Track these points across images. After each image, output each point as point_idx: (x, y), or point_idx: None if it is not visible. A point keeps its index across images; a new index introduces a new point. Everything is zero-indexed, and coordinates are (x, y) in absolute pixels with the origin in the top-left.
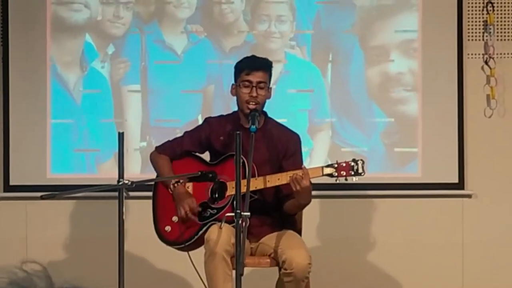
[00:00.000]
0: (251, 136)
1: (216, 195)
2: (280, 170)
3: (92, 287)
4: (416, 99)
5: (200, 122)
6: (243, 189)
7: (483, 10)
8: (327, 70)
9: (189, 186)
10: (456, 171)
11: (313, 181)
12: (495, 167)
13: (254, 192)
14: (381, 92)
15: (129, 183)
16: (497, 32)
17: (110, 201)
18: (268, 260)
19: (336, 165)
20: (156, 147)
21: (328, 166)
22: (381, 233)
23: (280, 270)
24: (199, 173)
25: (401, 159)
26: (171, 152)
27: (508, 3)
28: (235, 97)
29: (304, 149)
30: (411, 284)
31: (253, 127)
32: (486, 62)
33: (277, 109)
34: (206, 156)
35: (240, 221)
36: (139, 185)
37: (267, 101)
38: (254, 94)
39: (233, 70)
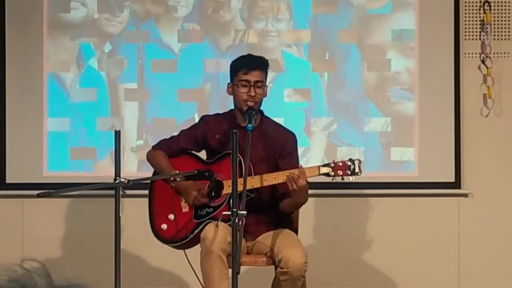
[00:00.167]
0: (247, 135)
1: (213, 194)
2: (277, 169)
3: (88, 285)
4: (413, 98)
5: (197, 120)
6: (240, 188)
7: (479, 9)
8: (324, 69)
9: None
10: (453, 170)
11: (310, 180)
12: (491, 167)
13: (250, 190)
14: (378, 91)
15: (126, 181)
16: (494, 32)
17: (106, 199)
18: (264, 259)
19: (332, 165)
20: (153, 146)
21: (324, 165)
22: (378, 232)
23: (276, 269)
24: (196, 171)
25: (397, 158)
26: (168, 149)
27: (505, 2)
28: (231, 96)
29: (300, 148)
30: (408, 283)
31: (250, 125)
32: (483, 62)
33: (274, 108)
34: (202, 154)
35: (236, 220)
36: (136, 183)
37: (264, 99)
38: (253, 93)
39: (229, 68)
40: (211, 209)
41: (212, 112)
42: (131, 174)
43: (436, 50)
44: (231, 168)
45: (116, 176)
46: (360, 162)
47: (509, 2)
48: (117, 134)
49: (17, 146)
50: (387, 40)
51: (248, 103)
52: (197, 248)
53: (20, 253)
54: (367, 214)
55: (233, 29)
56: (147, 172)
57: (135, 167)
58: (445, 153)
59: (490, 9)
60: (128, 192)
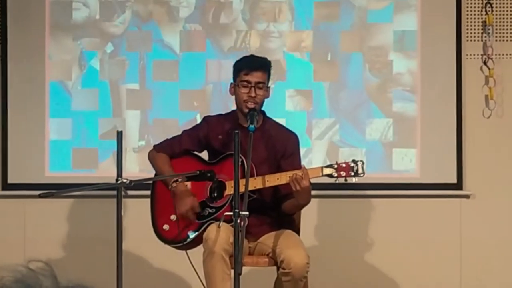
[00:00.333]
0: (249, 136)
1: (215, 194)
2: (279, 169)
3: (93, 286)
4: (415, 100)
5: (199, 121)
6: (242, 189)
7: (482, 10)
8: (326, 70)
9: (188, 185)
10: (455, 172)
11: (312, 180)
12: (493, 168)
13: (253, 191)
14: (380, 92)
15: (128, 181)
16: (496, 33)
17: (108, 200)
18: (267, 260)
19: (335, 166)
20: (154, 146)
21: (327, 166)
22: (379, 233)
23: (278, 269)
24: (198, 172)
25: (399, 159)
26: (170, 150)
27: (507, 3)
28: (233, 96)
29: (302, 149)
30: (409, 284)
31: (252, 126)
32: (484, 63)
33: (276, 109)
34: (204, 155)
35: (238, 221)
36: (138, 184)
37: (266, 100)
38: (253, 94)
39: (231, 69)
40: (214, 210)
41: (214, 112)
42: (133, 175)
43: (438, 51)
44: (233, 169)
45: (118, 176)
46: (363, 163)
47: (511, 3)
48: (119, 134)
49: (19, 147)
50: (389, 42)
51: (248, 104)
52: (199, 248)
53: (22, 253)
54: (369, 215)
55: (234, 30)
56: (149, 172)
57: (137, 167)
58: (447, 154)
59: (492, 10)
60: (130, 192)
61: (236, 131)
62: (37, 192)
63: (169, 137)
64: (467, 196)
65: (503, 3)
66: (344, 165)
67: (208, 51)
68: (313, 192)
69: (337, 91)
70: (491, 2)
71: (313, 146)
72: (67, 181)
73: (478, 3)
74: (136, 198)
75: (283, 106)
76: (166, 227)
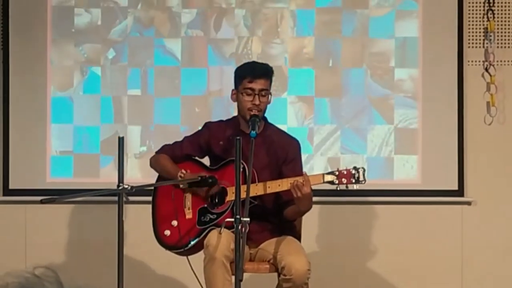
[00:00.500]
0: (251, 142)
1: (216, 200)
2: (280, 175)
3: None
4: (416, 106)
5: (200, 127)
6: (243, 195)
7: (483, 17)
8: (327, 76)
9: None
10: (456, 178)
11: (313, 187)
12: (495, 174)
13: (254, 197)
14: (381, 99)
15: (129, 187)
16: (498, 39)
17: (109, 206)
18: (267, 266)
19: (337, 173)
20: (156, 152)
21: (329, 173)
22: (381, 239)
23: (279, 276)
24: (199, 178)
25: (401, 165)
26: (171, 155)
27: (509, 10)
28: (234, 103)
29: (303, 155)
30: None
31: (253, 132)
32: (486, 69)
33: (277, 115)
34: (206, 161)
35: (239, 227)
36: (139, 190)
37: (267, 106)
38: (257, 102)
39: (233, 75)
40: (215, 216)
41: (215, 119)
42: (134, 181)
43: (439, 57)
44: (234, 175)
45: (119, 182)
46: (364, 170)
47: None
48: (121, 140)
49: (20, 152)
50: (391, 48)
51: (252, 111)
52: (200, 254)
53: (24, 259)
54: (370, 222)
55: (236, 36)
56: (151, 178)
57: (138, 173)
58: (448, 161)
59: (494, 17)
60: (131, 198)
61: (238, 137)
62: (39, 198)
63: (170, 143)
64: (468, 203)
65: (505, 10)
66: (345, 172)
67: (210, 57)
68: (314, 199)
69: (338, 98)
70: (493, 8)
71: (314, 153)
72: (68, 187)
73: (480, 10)
74: (137, 204)
75: (285, 112)
76: (167, 232)
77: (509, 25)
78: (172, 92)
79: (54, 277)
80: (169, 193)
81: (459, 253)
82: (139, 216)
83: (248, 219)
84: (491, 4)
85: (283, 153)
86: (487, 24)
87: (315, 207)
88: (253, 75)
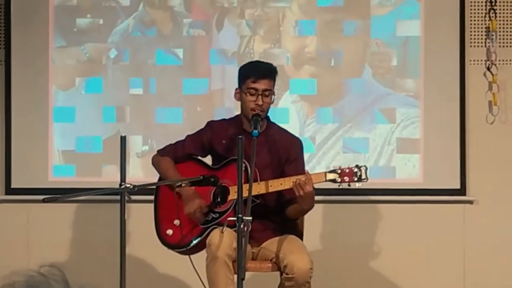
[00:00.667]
0: (253, 141)
1: (218, 199)
2: (282, 174)
3: None
4: (418, 105)
5: (203, 126)
6: (245, 194)
7: (485, 16)
8: (329, 75)
9: (193, 189)
10: (458, 177)
11: (315, 186)
12: (496, 174)
13: (256, 196)
14: (383, 97)
15: (131, 186)
16: (499, 39)
17: (112, 205)
18: (270, 265)
19: (339, 171)
20: (158, 151)
21: (331, 171)
22: (383, 238)
23: (281, 274)
24: (201, 177)
25: (402, 164)
26: (173, 155)
27: (511, 9)
28: (237, 101)
29: (306, 154)
30: None
31: (256, 131)
32: (488, 69)
33: (280, 114)
34: (208, 160)
35: (242, 226)
36: (141, 189)
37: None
38: (260, 102)
39: (235, 74)
40: (217, 215)
41: (217, 117)
42: (136, 180)
43: (441, 57)
44: (237, 174)
45: (121, 181)
46: (366, 168)
47: None
48: (123, 139)
49: (22, 151)
50: (393, 47)
51: (255, 111)
52: (202, 253)
53: (26, 258)
54: (372, 221)
55: (239, 35)
56: (153, 177)
57: (140, 172)
58: (450, 160)
59: (496, 16)
60: (133, 197)
61: (240, 136)
62: (41, 197)
63: (172, 142)
64: (470, 202)
65: (507, 9)
66: (347, 171)
67: (212, 56)
68: (316, 197)
69: (340, 97)
70: (495, 8)
71: (316, 152)
72: (70, 186)
73: (482, 9)
74: (139, 203)
75: (287, 111)
76: (169, 231)
77: (511, 24)
78: (174, 91)
79: (60, 276)
80: (172, 192)
81: (461, 252)
82: (141, 215)
83: (250, 218)
84: (493, 3)
85: (286, 152)
86: (489, 23)
87: (317, 206)
88: (257, 75)
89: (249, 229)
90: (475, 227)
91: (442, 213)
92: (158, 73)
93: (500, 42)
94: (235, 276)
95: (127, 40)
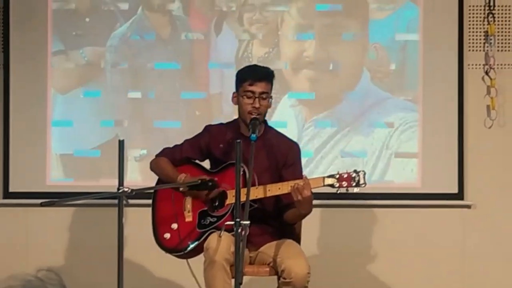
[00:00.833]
0: (251, 145)
1: (216, 204)
2: (280, 179)
3: None
4: (417, 109)
5: (201, 130)
6: (243, 198)
7: (484, 20)
8: (328, 79)
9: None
10: (456, 182)
11: (313, 190)
12: (495, 178)
13: (254, 201)
14: (382, 102)
15: (129, 190)
16: (498, 43)
17: (109, 209)
18: (267, 269)
19: (337, 176)
20: (156, 155)
21: (329, 176)
22: (381, 242)
23: (279, 279)
24: (199, 181)
25: (400, 169)
26: (171, 158)
27: (509, 13)
28: (235, 105)
29: (304, 159)
30: None
31: (253, 135)
32: (486, 73)
33: (278, 118)
34: (206, 164)
35: (239, 230)
36: (139, 193)
37: (268, 109)
38: (257, 105)
39: (234, 78)
40: (215, 219)
41: (216, 122)
42: (134, 184)
43: (439, 61)
44: (234, 178)
45: (119, 185)
46: (365, 173)
47: None
48: (121, 143)
49: (20, 155)
50: (391, 51)
51: (252, 114)
52: (200, 257)
53: (24, 262)
54: (370, 225)
55: (237, 40)
56: (151, 181)
57: (138, 176)
58: (448, 164)
59: (494, 20)
60: (131, 201)
61: (238, 140)
62: (39, 201)
63: (170, 146)
64: (468, 206)
65: (505, 13)
66: (345, 175)
67: (210, 60)
68: (314, 202)
69: (338, 101)
70: (493, 12)
71: (314, 156)
72: (68, 190)
73: (480, 13)
74: (137, 207)
75: (285, 115)
76: (167, 235)
77: (509, 28)
78: (173, 95)
79: (57, 280)
80: (169, 196)
81: (459, 256)
82: (139, 219)
83: (248, 222)
84: (492, 8)
85: (283, 157)
86: (487, 28)
87: (315, 211)
88: (254, 78)
89: (247, 233)
90: (473, 232)
91: (440, 218)
92: (157, 77)
93: (498, 46)
94: (233, 280)
95: (125, 44)
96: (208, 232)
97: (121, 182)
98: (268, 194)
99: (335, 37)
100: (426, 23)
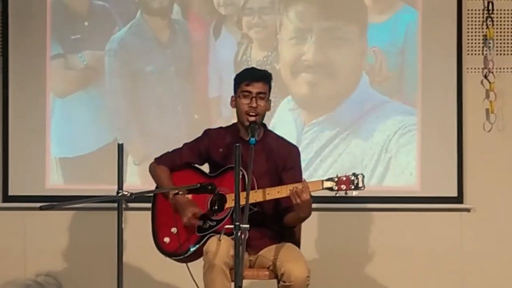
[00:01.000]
0: (250, 148)
1: (216, 207)
2: (279, 182)
3: None
4: (416, 113)
5: (200, 133)
6: (243, 201)
7: (482, 24)
8: (327, 82)
9: (189, 198)
10: (455, 185)
11: (312, 194)
12: (494, 181)
13: (253, 204)
14: (381, 105)
15: (128, 194)
16: (497, 47)
17: (109, 212)
18: (267, 273)
19: (336, 179)
20: (155, 159)
21: (328, 179)
22: (380, 246)
23: (278, 282)
24: (198, 185)
25: (400, 172)
26: (170, 163)
27: (508, 17)
28: (234, 109)
29: (303, 162)
30: None
31: (253, 139)
32: (485, 77)
33: (277, 122)
34: (205, 168)
35: (239, 233)
36: (138, 197)
37: (267, 113)
38: (254, 104)
39: (233, 82)
40: (214, 223)
41: (215, 125)
42: (134, 187)
43: (438, 65)
44: (234, 182)
45: (118, 189)
46: (363, 176)
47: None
48: (120, 147)
49: (19, 159)
50: (390, 55)
51: (250, 114)
52: (199, 261)
53: (23, 265)
54: (369, 228)
55: (236, 43)
56: (150, 185)
57: (137, 180)
58: (447, 167)
59: (493, 24)
60: (131, 205)
61: (237, 144)
62: (38, 204)
63: (170, 150)
64: (467, 210)
65: (504, 17)
66: (344, 179)
67: (210, 63)
68: (313, 205)
69: (338, 105)
70: (492, 16)
71: (313, 159)
72: (67, 194)
73: (479, 17)
74: (136, 210)
75: (284, 119)
76: (166, 239)
77: (508, 32)
78: (172, 99)
79: (56, 285)
80: (168, 200)
81: (458, 259)
82: (138, 223)
83: (247, 225)
84: (490, 12)
85: (283, 160)
86: (486, 31)
87: (314, 214)
88: (251, 78)
89: (247, 237)
90: (472, 235)
91: (439, 221)
92: (156, 80)
93: (497, 50)
94: (232, 284)
95: (124, 48)
96: (208, 236)
97: (120, 186)
98: (268, 197)
99: (334, 41)
100: (425, 27)
